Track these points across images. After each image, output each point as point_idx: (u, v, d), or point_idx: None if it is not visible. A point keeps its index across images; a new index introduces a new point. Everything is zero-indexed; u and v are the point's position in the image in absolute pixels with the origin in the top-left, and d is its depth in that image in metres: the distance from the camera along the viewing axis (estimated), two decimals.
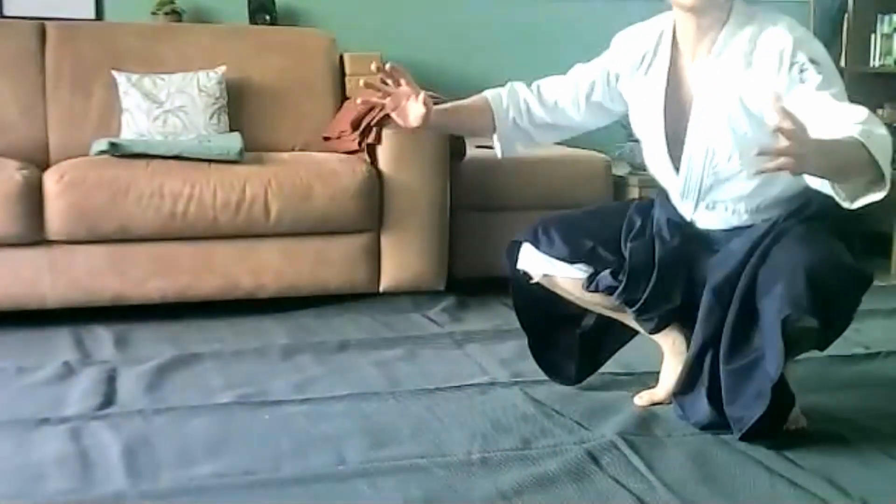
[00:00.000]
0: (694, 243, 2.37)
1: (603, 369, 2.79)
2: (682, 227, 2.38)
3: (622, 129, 3.89)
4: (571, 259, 2.43)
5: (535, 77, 4.72)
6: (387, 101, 2.28)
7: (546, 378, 2.69)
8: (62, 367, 2.77)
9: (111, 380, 2.67)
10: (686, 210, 2.38)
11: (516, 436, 2.31)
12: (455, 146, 3.52)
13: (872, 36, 4.57)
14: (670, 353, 2.53)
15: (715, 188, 2.30)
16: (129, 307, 3.25)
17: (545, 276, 2.49)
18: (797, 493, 2.03)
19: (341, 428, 2.35)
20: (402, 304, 3.47)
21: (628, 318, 2.51)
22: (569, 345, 2.63)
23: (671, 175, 2.36)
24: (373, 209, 3.40)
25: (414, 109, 2.27)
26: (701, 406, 2.30)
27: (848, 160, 1.93)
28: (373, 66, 2.24)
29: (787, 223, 2.22)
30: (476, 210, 3.67)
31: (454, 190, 3.55)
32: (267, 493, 2.01)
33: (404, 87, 2.26)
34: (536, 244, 2.47)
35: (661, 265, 2.35)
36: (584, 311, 2.60)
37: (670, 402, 2.49)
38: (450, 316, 3.40)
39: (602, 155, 3.82)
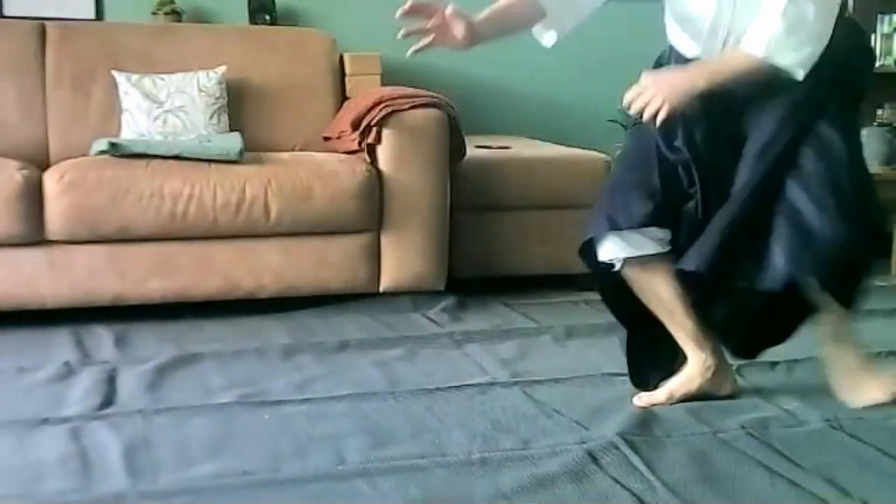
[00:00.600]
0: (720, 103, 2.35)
1: (603, 369, 2.79)
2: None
3: (622, 128, 3.90)
4: (654, 217, 2.38)
5: (535, 77, 4.75)
6: (432, 39, 2.27)
7: (546, 378, 2.70)
8: (62, 367, 2.77)
9: (111, 380, 2.67)
10: (713, 49, 2.36)
11: (516, 436, 2.31)
12: (455, 146, 3.53)
13: (872, 36, 4.57)
14: (695, 367, 2.52)
15: (745, 21, 2.28)
16: (129, 307, 3.25)
17: (628, 259, 2.42)
18: (797, 493, 2.03)
19: (341, 428, 2.35)
20: (402, 304, 3.47)
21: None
22: (656, 341, 2.56)
23: (704, 9, 2.34)
24: (373, 209, 3.40)
25: (454, 29, 2.27)
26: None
27: (741, 70, 2.26)
28: (398, 14, 2.24)
29: (816, 112, 2.27)
30: (476, 210, 3.67)
31: (454, 190, 3.55)
32: (267, 493, 2.01)
33: (436, 18, 2.26)
34: (615, 225, 2.40)
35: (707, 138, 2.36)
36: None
37: (670, 404, 2.49)
38: (450, 316, 3.40)
39: (602, 155, 3.82)
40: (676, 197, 2.41)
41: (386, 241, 3.45)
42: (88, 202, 3.15)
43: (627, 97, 2.28)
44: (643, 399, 2.52)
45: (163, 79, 3.65)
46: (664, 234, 2.42)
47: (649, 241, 2.42)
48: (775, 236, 2.27)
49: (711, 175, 2.38)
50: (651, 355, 2.59)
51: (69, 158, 3.39)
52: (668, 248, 2.43)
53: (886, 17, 4.54)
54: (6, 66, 3.63)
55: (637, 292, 2.48)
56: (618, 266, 2.45)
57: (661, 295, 2.46)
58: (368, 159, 3.46)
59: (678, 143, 2.39)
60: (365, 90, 3.79)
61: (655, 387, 2.55)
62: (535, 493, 2.02)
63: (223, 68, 3.72)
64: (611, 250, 2.44)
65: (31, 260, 3.16)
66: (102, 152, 3.30)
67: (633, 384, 2.59)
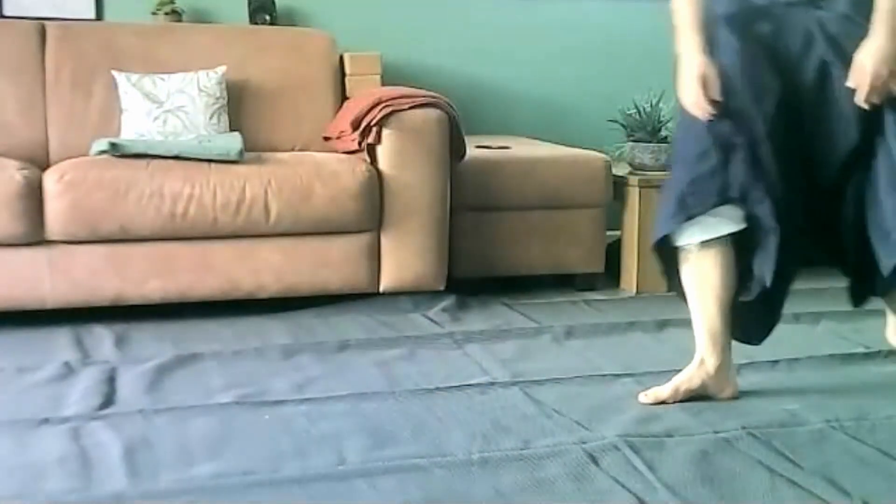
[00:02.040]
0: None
1: (603, 369, 2.80)
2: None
3: (622, 128, 3.90)
4: (725, 195, 2.38)
5: (535, 77, 4.75)
6: None
7: (546, 378, 2.70)
8: (62, 367, 2.77)
9: (111, 380, 2.67)
10: None
11: (516, 436, 2.31)
12: (455, 146, 3.53)
13: None
14: (699, 365, 2.53)
15: None
16: (129, 307, 3.25)
17: (702, 244, 2.44)
18: (797, 493, 2.03)
19: (341, 428, 2.35)
20: (402, 304, 3.47)
21: None
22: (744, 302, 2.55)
23: None
24: (373, 209, 3.40)
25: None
26: None
27: None
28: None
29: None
30: (476, 210, 3.67)
31: (454, 190, 3.55)
32: (267, 493, 2.01)
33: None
34: (690, 214, 2.41)
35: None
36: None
37: (674, 401, 2.49)
38: (450, 316, 3.39)
39: (602, 155, 3.82)
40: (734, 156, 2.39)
41: (386, 241, 3.45)
42: (88, 202, 3.15)
43: (866, 94, 2.26)
44: (649, 395, 2.53)
45: (163, 79, 3.64)
46: (737, 211, 2.42)
47: (725, 221, 2.42)
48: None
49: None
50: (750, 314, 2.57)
51: (69, 158, 3.39)
52: (744, 225, 2.42)
53: None
54: (6, 66, 3.63)
55: (688, 273, 2.49)
56: (686, 246, 2.46)
57: (714, 282, 2.47)
58: (368, 159, 3.46)
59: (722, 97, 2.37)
60: (365, 90, 3.79)
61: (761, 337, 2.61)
62: (535, 493, 2.02)
63: (223, 68, 3.72)
64: (688, 236, 2.45)
65: (31, 260, 3.16)
66: (102, 152, 3.30)
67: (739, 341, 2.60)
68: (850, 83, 2.28)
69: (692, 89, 2.36)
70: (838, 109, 2.34)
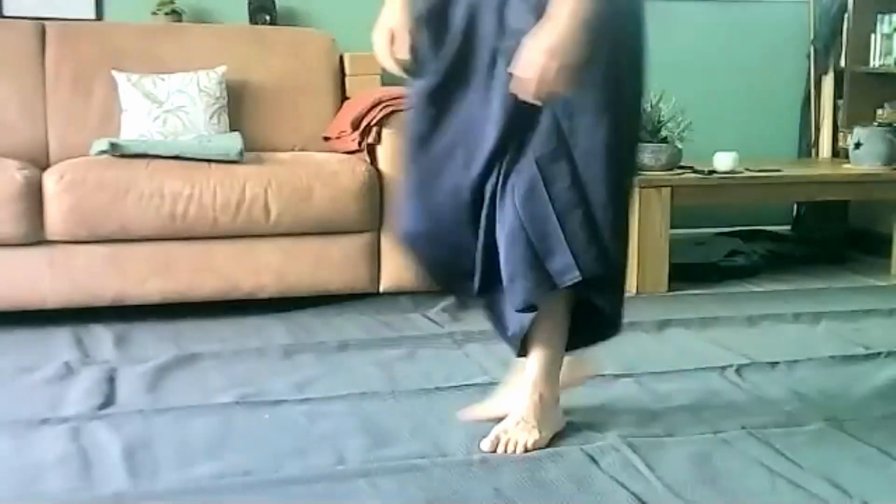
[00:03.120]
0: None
1: (603, 370, 2.79)
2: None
3: None
4: None
5: None
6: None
7: None
8: (62, 367, 2.77)
9: (111, 380, 2.67)
10: None
11: None
12: None
13: (872, 36, 4.57)
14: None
15: None
16: (129, 307, 3.25)
17: None
18: (797, 493, 2.03)
19: (341, 428, 2.35)
20: (402, 304, 3.47)
21: None
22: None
23: None
24: (373, 209, 3.40)
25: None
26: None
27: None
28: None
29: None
30: None
31: None
32: (267, 493, 2.01)
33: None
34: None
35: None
36: None
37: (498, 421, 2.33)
38: (450, 316, 3.39)
39: None
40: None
41: (386, 241, 3.45)
42: (88, 202, 3.15)
43: (531, 88, 1.97)
44: (473, 413, 2.39)
45: (163, 79, 3.65)
46: None
47: None
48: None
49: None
50: None
51: (69, 158, 3.39)
52: None
53: (886, 17, 4.54)
54: (6, 66, 3.63)
55: None
56: None
57: None
58: (368, 159, 3.46)
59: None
60: (365, 90, 3.79)
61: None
62: (535, 493, 2.02)
63: (223, 68, 3.72)
64: None
65: (31, 260, 3.16)
66: (102, 152, 3.31)
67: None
68: (515, 73, 1.98)
69: (377, 42, 2.23)
70: (495, 103, 2.10)
